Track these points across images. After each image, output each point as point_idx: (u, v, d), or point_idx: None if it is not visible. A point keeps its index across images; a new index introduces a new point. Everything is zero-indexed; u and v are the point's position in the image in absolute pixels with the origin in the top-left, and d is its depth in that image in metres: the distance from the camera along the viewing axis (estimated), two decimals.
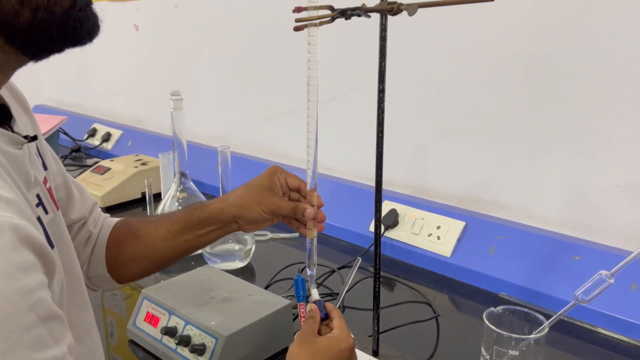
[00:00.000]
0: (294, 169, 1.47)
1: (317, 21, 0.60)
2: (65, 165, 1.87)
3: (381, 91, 0.70)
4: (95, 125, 2.04)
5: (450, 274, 1.10)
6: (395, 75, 1.23)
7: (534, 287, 0.99)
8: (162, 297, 0.88)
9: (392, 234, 1.19)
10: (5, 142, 0.50)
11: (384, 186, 1.30)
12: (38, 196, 0.54)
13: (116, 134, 1.96)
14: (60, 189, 0.70)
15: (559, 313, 0.71)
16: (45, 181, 0.57)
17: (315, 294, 0.71)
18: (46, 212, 0.55)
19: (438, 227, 1.14)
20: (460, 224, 1.12)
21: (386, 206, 1.22)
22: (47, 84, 2.40)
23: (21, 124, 0.58)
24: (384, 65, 0.69)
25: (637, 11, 0.92)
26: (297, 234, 1.29)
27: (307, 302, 0.85)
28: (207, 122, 1.74)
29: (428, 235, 1.15)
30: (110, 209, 1.46)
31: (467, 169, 1.19)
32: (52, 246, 0.51)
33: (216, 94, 1.71)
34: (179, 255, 0.77)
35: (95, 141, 1.98)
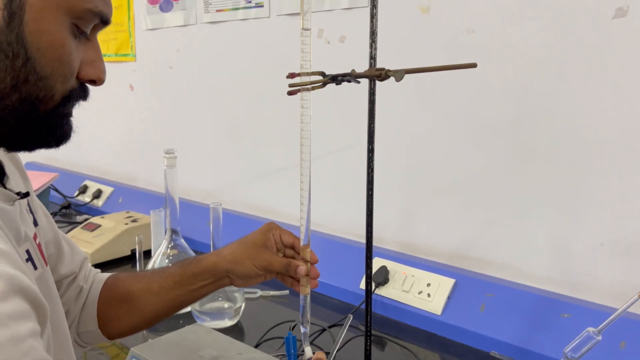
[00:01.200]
0: (285, 225, 1.48)
1: (310, 86, 0.64)
2: (55, 221, 1.87)
3: (370, 151, 0.72)
4: (87, 182, 2.05)
5: (441, 332, 1.10)
6: (384, 136, 1.27)
7: (524, 346, 0.99)
8: (151, 357, 0.86)
9: (382, 291, 1.19)
10: None
11: (375, 243, 1.31)
12: (28, 252, 0.55)
13: (107, 190, 1.97)
14: (51, 245, 0.70)
15: None
16: (35, 237, 0.58)
17: (308, 352, 0.71)
18: (35, 267, 0.56)
19: (428, 285, 1.15)
20: (450, 282, 1.13)
21: (377, 263, 1.23)
22: None
23: (13, 180, 0.59)
24: (373, 127, 0.72)
25: (619, 72, 0.97)
26: (287, 292, 1.28)
27: None
28: (199, 179, 1.76)
29: (419, 292, 1.15)
30: (100, 266, 1.44)
31: (455, 226, 1.21)
32: None
33: (209, 152, 1.74)
34: (171, 310, 0.77)
35: (86, 198, 1.99)
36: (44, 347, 0.49)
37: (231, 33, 1.60)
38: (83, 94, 0.56)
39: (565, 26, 1.01)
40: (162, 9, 1.79)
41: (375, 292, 1.20)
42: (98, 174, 2.14)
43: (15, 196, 0.54)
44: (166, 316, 0.77)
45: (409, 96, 1.24)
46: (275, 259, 0.73)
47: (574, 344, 0.69)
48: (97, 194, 1.97)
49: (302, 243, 0.72)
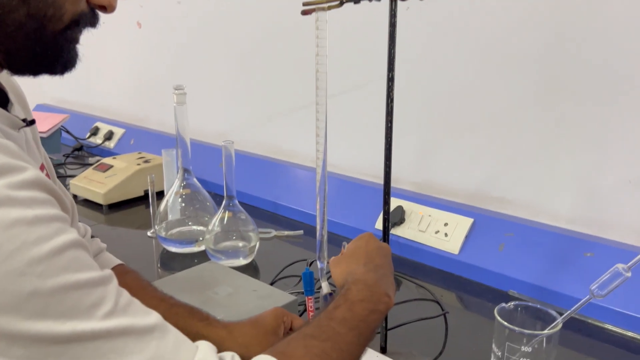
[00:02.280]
0: (298, 166, 1.46)
1: (326, 5, 0.59)
2: (67, 164, 1.87)
3: (390, 79, 0.68)
4: (98, 124, 2.02)
5: (458, 271, 1.08)
6: (402, 70, 1.22)
7: (544, 285, 0.97)
8: (167, 292, 0.85)
9: (398, 231, 1.17)
10: (2, 122, 0.49)
11: (391, 182, 1.29)
12: None
13: (119, 132, 1.94)
14: None
15: (573, 308, 0.69)
16: (42, 168, 0.56)
17: (325, 287, 0.69)
18: None
19: (445, 224, 1.12)
20: (469, 221, 1.10)
21: (392, 203, 1.19)
22: (48, 82, 2.39)
23: (17, 111, 0.57)
24: (394, 53, 0.67)
25: None
26: (301, 232, 1.27)
27: (316, 296, 0.84)
28: (211, 119, 1.73)
29: (435, 232, 1.13)
30: (113, 207, 1.45)
31: (475, 165, 1.18)
32: None
33: (221, 91, 1.69)
34: None
35: (98, 140, 1.97)
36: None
37: None
38: (92, 20, 0.53)
39: None
40: None
41: (391, 232, 1.18)
42: (109, 115, 2.11)
43: (21, 122, 0.52)
44: None
45: (430, 26, 1.17)
46: None
47: (602, 281, 0.66)
48: (109, 136, 1.94)
49: (318, 184, 0.68)
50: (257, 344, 0.69)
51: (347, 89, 1.34)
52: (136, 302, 0.44)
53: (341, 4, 0.60)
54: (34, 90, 2.47)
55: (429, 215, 1.15)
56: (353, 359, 0.54)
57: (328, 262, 0.68)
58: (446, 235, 1.11)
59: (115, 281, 0.43)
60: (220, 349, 0.69)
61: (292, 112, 1.49)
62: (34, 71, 0.50)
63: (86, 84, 2.21)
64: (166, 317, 0.69)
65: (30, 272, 0.36)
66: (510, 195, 1.13)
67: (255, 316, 0.73)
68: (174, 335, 0.44)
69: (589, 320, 0.92)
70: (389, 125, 0.71)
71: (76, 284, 0.39)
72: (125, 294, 0.44)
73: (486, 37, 1.10)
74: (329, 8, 0.59)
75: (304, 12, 0.59)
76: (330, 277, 0.68)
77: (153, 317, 0.44)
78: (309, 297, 0.72)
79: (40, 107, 2.30)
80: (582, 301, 0.69)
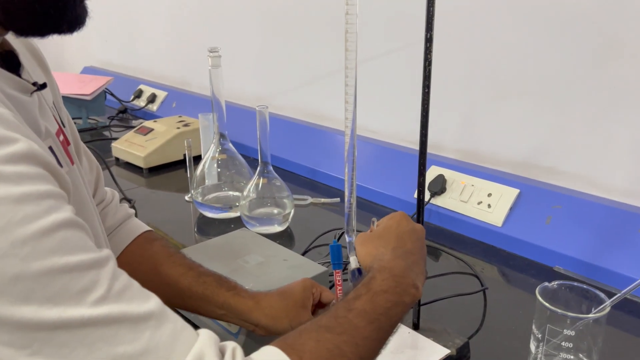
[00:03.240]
0: (338, 132, 1.42)
1: None
2: (111, 126, 1.89)
3: (428, 40, 0.63)
4: (141, 87, 2.03)
5: (501, 244, 1.03)
6: (445, 31, 1.14)
7: (593, 261, 0.91)
8: (197, 259, 0.85)
9: (438, 201, 1.13)
10: (11, 87, 0.47)
11: (432, 150, 1.23)
12: (50, 148, 0.51)
13: (161, 95, 1.95)
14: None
15: (624, 291, 0.64)
16: (58, 133, 0.55)
17: (353, 261, 0.66)
18: (60, 165, 0.52)
19: (489, 195, 1.07)
20: (514, 192, 1.04)
21: (433, 172, 1.15)
22: (95, 45, 2.42)
23: (33, 73, 0.55)
24: (432, 11, 0.61)
25: None
26: (337, 199, 1.24)
27: (344, 270, 0.81)
28: (249, 83, 1.70)
29: (478, 203, 1.07)
30: (154, 170, 1.46)
31: (523, 133, 1.10)
32: None
33: (259, 55, 1.66)
34: (184, 309, 0.71)
35: (141, 102, 1.98)
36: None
37: None
38: None
39: None
40: None
41: (431, 202, 1.13)
42: (152, 78, 2.12)
43: (32, 87, 0.50)
44: (175, 307, 0.70)
45: None
46: None
47: None
48: (152, 99, 1.95)
49: (346, 153, 0.64)
50: (285, 316, 0.67)
51: (384, 51, 1.27)
52: (134, 287, 0.41)
53: None
54: (81, 53, 2.51)
55: (472, 185, 1.10)
56: (370, 355, 0.50)
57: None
58: (489, 206, 1.06)
59: (111, 263, 0.41)
60: (247, 320, 0.68)
61: (330, 76, 1.44)
62: (40, 32, 0.47)
63: (130, 47, 2.22)
64: (194, 285, 0.68)
65: (14, 254, 0.34)
66: (560, 165, 1.06)
67: (284, 287, 0.71)
68: (173, 323, 0.40)
69: None
70: (426, 90, 0.66)
71: (65, 267, 0.36)
72: (123, 278, 0.40)
73: None
74: None
75: None
76: None
77: (151, 303, 0.40)
78: (337, 270, 0.69)
79: (87, 70, 2.33)
80: (636, 283, 0.63)
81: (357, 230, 0.71)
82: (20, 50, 0.55)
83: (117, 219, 0.73)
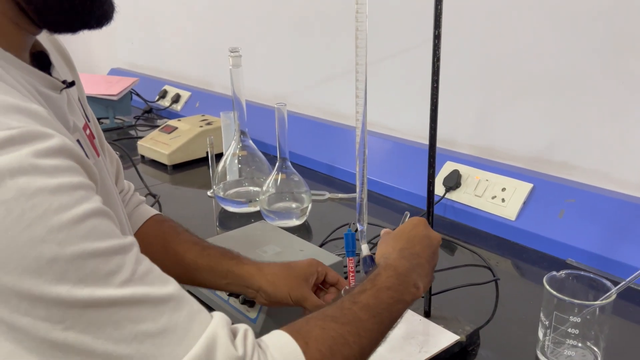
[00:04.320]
0: (351, 128, 1.44)
1: None
2: (137, 125, 1.95)
3: (437, 37, 0.65)
4: (166, 87, 2.09)
5: (515, 238, 1.05)
6: (460, 29, 1.16)
7: (606, 254, 0.92)
8: None
9: (453, 195, 1.15)
10: (43, 85, 0.51)
11: (447, 146, 1.25)
12: (78, 141, 0.55)
13: (185, 95, 2.00)
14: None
15: (628, 279, 0.65)
16: (85, 127, 0.59)
17: (365, 249, 0.69)
18: (87, 157, 0.56)
19: (503, 189, 1.08)
20: (528, 186, 1.06)
21: (449, 167, 1.17)
22: (121, 47, 2.49)
23: (61, 70, 0.59)
24: (440, 8, 0.64)
25: None
26: (355, 195, 1.26)
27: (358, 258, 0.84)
28: (270, 82, 1.74)
29: (492, 197, 1.09)
30: (178, 167, 1.51)
31: (538, 128, 1.12)
32: None
33: (278, 55, 1.69)
34: (191, 283, 0.75)
35: (166, 102, 2.04)
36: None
37: None
38: None
39: None
40: None
41: (446, 196, 1.15)
42: (177, 79, 2.17)
43: (61, 84, 0.54)
44: (185, 283, 0.74)
45: None
46: (311, 297, 0.70)
47: None
48: (176, 99, 2.01)
49: (358, 146, 0.67)
50: (285, 284, 0.70)
51: (400, 50, 1.30)
52: (155, 271, 0.44)
53: None
54: (108, 55, 2.58)
55: (486, 180, 1.11)
56: (371, 346, 0.53)
57: (367, 224, 0.67)
58: (503, 200, 1.07)
59: (135, 249, 0.44)
60: (249, 286, 0.71)
61: (346, 75, 1.47)
62: (70, 27, 0.51)
63: (155, 49, 2.29)
64: (198, 258, 0.72)
65: (51, 240, 0.38)
66: (574, 160, 1.07)
67: (290, 261, 0.74)
68: (190, 305, 0.44)
69: None
70: (435, 85, 0.68)
71: (95, 251, 0.40)
72: (145, 263, 0.44)
73: None
74: None
75: None
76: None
77: (170, 287, 0.44)
78: (350, 258, 0.72)
79: (114, 71, 2.40)
80: (638, 272, 0.65)
81: (369, 223, 0.73)
82: (50, 50, 0.59)
83: (132, 204, 0.79)
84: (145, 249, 0.47)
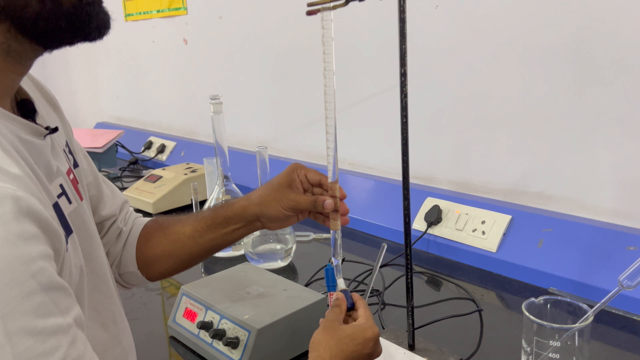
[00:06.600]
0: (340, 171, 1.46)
1: (331, 4, 0.60)
2: (122, 176, 1.96)
3: (403, 75, 0.68)
4: (152, 138, 2.12)
5: (497, 269, 1.06)
6: (432, 67, 1.21)
7: (585, 281, 0.93)
8: (199, 293, 0.89)
9: (435, 230, 1.16)
10: (26, 132, 0.52)
11: (427, 182, 1.28)
12: (61, 186, 0.56)
13: (170, 145, 2.03)
14: (92, 187, 0.72)
15: (602, 300, 0.66)
16: (69, 172, 0.60)
17: (341, 283, 0.70)
18: (69, 202, 0.58)
19: (483, 222, 1.10)
20: (506, 218, 1.08)
21: (429, 202, 1.19)
22: (107, 101, 2.53)
23: (49, 117, 0.61)
24: (405, 48, 0.67)
25: None
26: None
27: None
28: (252, 128, 1.78)
29: (473, 230, 1.11)
30: (163, 215, 1.51)
31: (512, 161, 1.15)
32: (69, 232, 0.53)
33: (260, 101, 1.74)
34: (205, 253, 0.77)
35: (151, 153, 2.06)
36: (74, 276, 0.51)
37: None
38: None
39: None
40: None
41: (428, 232, 1.17)
42: (162, 129, 2.21)
43: (44, 130, 0.55)
44: (202, 259, 0.78)
45: (455, 19, 1.16)
46: (301, 198, 0.71)
47: (630, 271, 0.64)
48: (161, 149, 2.03)
49: (330, 179, 0.70)
50: (273, 199, 0.72)
51: (382, 89, 1.34)
52: (87, 356, 0.44)
53: (347, 2, 0.61)
54: (94, 109, 2.62)
55: (466, 214, 1.13)
56: None
57: (343, 259, 0.68)
58: (483, 233, 1.09)
59: (72, 330, 0.43)
60: (247, 218, 0.73)
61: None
62: (70, 42, 0.53)
63: (140, 101, 2.33)
64: (195, 225, 0.75)
65: None
66: (549, 190, 1.10)
67: (272, 178, 0.76)
68: None
69: (634, 317, 0.87)
70: (404, 120, 0.71)
71: (34, 330, 0.40)
72: (78, 345, 0.43)
73: (512, 29, 1.08)
74: (334, 7, 0.61)
75: (309, 13, 0.60)
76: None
77: None
78: (331, 292, 0.73)
79: (100, 125, 2.44)
80: (611, 293, 0.66)
81: (351, 261, 0.74)
82: (35, 96, 0.61)
83: (132, 218, 0.81)
84: (149, 244, 0.51)
